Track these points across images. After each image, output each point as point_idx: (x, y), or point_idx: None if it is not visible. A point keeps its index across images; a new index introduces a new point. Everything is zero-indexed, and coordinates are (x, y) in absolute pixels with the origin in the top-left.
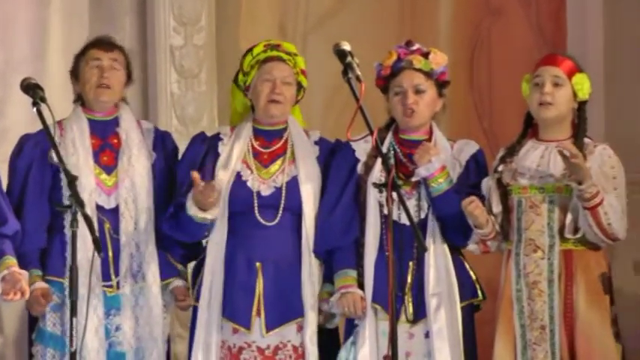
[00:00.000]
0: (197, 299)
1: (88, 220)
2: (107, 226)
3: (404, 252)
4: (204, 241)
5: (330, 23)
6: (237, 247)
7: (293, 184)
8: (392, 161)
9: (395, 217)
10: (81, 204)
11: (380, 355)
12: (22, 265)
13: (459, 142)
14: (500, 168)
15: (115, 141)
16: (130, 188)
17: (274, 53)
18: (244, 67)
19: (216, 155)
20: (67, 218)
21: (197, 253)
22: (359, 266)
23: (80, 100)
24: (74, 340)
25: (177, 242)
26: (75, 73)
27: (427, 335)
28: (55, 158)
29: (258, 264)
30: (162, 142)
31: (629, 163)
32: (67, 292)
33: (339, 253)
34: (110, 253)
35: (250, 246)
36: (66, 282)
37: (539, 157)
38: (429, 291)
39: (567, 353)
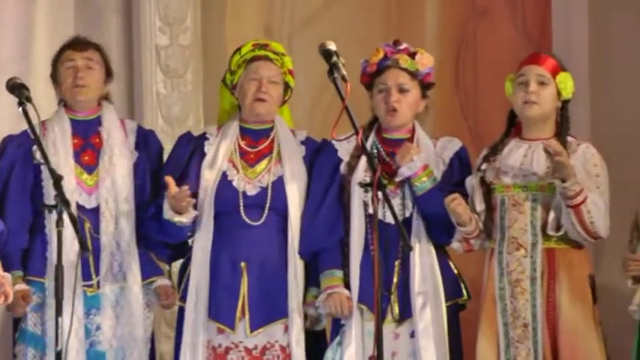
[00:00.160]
0: (183, 299)
1: (73, 219)
2: (87, 225)
3: (389, 251)
4: (189, 241)
5: (316, 23)
6: (223, 246)
7: (279, 184)
8: (376, 160)
9: (380, 216)
10: (67, 203)
11: (366, 355)
12: (5, 266)
13: (442, 139)
14: (483, 167)
15: (97, 140)
16: (110, 188)
17: (261, 52)
18: (232, 65)
19: (203, 155)
20: (49, 218)
21: (183, 252)
22: (345, 266)
23: (63, 102)
24: (59, 339)
25: (162, 242)
26: (54, 77)
27: (412, 335)
28: (41, 158)
29: (243, 264)
30: (145, 140)
31: (615, 164)
32: (47, 292)
33: (324, 253)
34: (81, 253)
35: (235, 246)
36: (47, 282)
37: (523, 156)
38: (415, 290)
39: (550, 351)
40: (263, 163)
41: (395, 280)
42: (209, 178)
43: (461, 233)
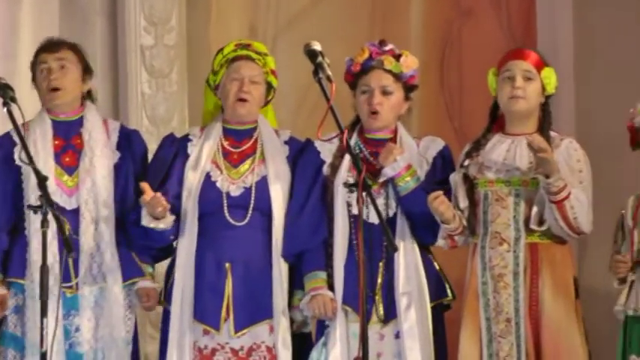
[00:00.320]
0: (168, 300)
1: (58, 220)
2: (67, 227)
3: (373, 252)
4: (174, 243)
5: (301, 23)
6: (207, 247)
7: (262, 184)
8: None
9: (363, 216)
10: (51, 204)
11: (351, 356)
12: None
13: (425, 139)
14: (466, 163)
15: (78, 141)
16: (90, 189)
17: (243, 52)
18: (214, 66)
19: (186, 156)
20: (29, 219)
21: (166, 253)
22: (329, 267)
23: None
24: (44, 340)
25: (146, 246)
26: (34, 81)
27: (397, 336)
28: (26, 159)
29: (227, 264)
30: (128, 140)
31: (599, 163)
32: (27, 294)
33: (308, 255)
34: (65, 254)
35: (220, 246)
36: (27, 283)
37: (506, 151)
38: (399, 290)
39: (532, 346)
40: (246, 164)
41: (379, 280)
42: (192, 179)
43: (445, 230)
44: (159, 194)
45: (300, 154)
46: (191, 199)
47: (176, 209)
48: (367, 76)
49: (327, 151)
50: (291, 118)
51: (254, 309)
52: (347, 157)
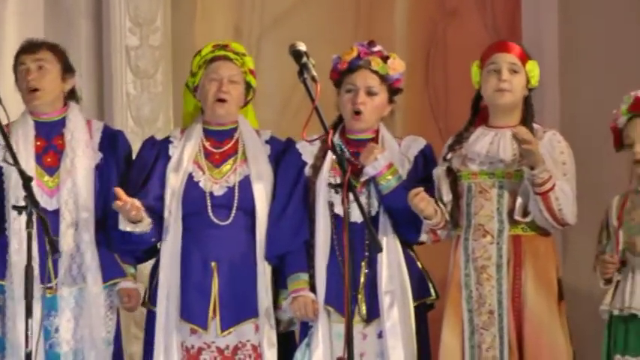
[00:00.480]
0: (152, 301)
1: (43, 221)
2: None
3: (355, 251)
4: (157, 244)
5: (286, 23)
6: (192, 247)
7: (245, 184)
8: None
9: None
10: (37, 205)
11: (334, 356)
12: None
13: (407, 139)
14: (449, 156)
15: (60, 142)
16: (71, 190)
17: (221, 53)
18: (193, 68)
19: (167, 158)
20: (10, 220)
21: (151, 254)
22: (311, 268)
23: None
24: (29, 340)
25: (128, 249)
26: (16, 83)
27: (380, 335)
28: (9, 159)
29: (213, 264)
30: (113, 141)
31: (584, 162)
32: (7, 295)
33: (290, 256)
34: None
35: (205, 246)
36: (7, 284)
37: (489, 143)
38: (382, 288)
39: (515, 338)
40: (228, 164)
41: (362, 279)
42: (175, 180)
43: (427, 225)
44: (131, 199)
45: (282, 155)
46: (174, 200)
47: (157, 211)
48: (353, 75)
49: (308, 152)
50: (276, 119)
51: (240, 308)
52: (329, 158)
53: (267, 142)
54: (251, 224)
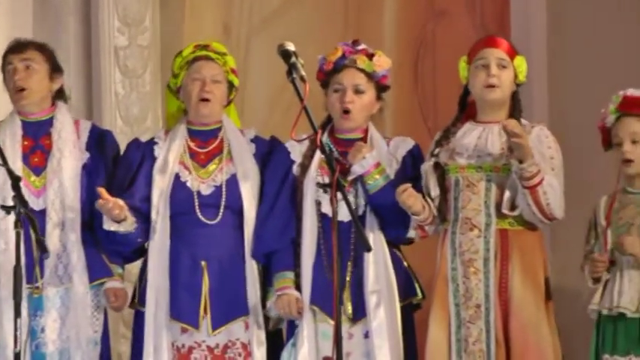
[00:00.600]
0: (140, 301)
1: (32, 221)
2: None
3: (342, 250)
4: (145, 244)
5: (275, 22)
6: (181, 247)
7: (232, 182)
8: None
9: (330, 213)
10: (25, 205)
11: (319, 356)
12: None
13: (395, 139)
14: (436, 151)
15: (48, 142)
16: (57, 190)
17: (202, 53)
18: (175, 69)
19: (153, 159)
20: None
21: (139, 254)
22: (297, 267)
23: None
24: (18, 340)
25: (114, 249)
26: (4, 82)
27: (366, 335)
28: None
29: (203, 263)
30: (100, 140)
31: (573, 161)
32: None
33: (276, 255)
34: (36, 255)
35: (194, 245)
36: None
37: (477, 138)
38: (369, 288)
39: (502, 331)
40: (214, 163)
41: (348, 279)
42: (162, 181)
43: (415, 221)
44: (114, 199)
45: (270, 153)
46: (162, 200)
47: (144, 212)
48: (340, 74)
49: (297, 151)
50: (264, 118)
51: (230, 306)
52: (317, 157)
53: (251, 140)
54: (239, 222)
